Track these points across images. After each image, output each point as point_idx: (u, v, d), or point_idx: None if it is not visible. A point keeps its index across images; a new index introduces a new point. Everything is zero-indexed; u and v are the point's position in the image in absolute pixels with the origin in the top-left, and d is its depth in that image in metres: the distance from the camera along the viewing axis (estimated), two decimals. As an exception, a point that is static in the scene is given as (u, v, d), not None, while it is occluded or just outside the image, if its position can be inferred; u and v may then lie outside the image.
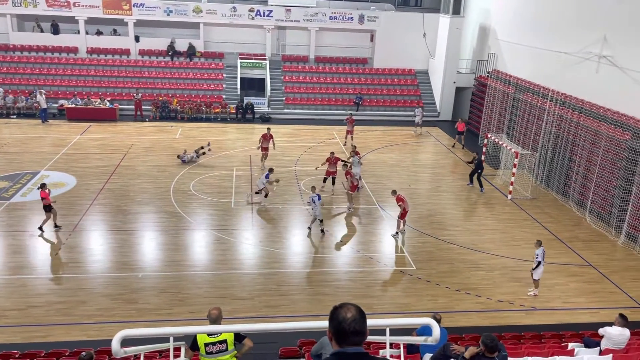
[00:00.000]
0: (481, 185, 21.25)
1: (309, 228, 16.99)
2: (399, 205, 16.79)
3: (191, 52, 32.96)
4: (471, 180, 21.68)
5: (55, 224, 16.23)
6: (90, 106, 28.75)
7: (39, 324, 11.83)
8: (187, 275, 14.20)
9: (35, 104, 28.29)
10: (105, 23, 32.58)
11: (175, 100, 30.18)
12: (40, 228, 15.99)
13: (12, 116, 28.25)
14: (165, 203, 18.57)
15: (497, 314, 13.11)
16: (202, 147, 23.15)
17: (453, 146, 27.13)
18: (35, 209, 17.53)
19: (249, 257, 15.49)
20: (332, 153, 20.60)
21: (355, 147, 21.67)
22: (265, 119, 30.47)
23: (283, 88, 32.70)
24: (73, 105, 28.62)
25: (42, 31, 32.27)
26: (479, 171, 21.28)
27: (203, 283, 13.88)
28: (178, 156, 22.59)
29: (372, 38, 34.59)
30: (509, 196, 20.63)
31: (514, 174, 20.66)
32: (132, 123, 28.61)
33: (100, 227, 16.70)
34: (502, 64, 27.91)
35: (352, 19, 33.38)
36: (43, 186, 16.02)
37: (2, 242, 15.44)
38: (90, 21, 32.12)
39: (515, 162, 20.57)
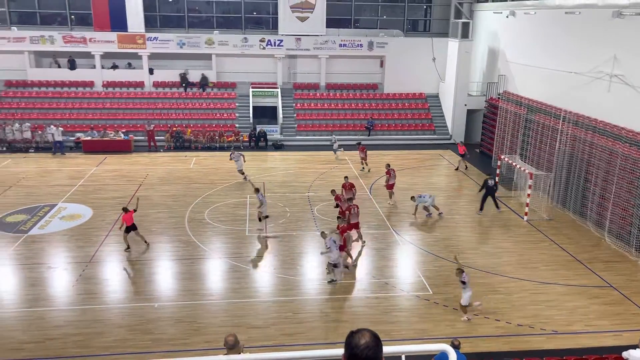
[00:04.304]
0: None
1: None
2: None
3: (204, 82, 33.53)
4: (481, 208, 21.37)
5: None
6: (106, 138, 29.27)
7: (56, 356, 11.84)
8: (202, 304, 14.17)
9: (50, 135, 28.59)
10: (120, 57, 33.38)
11: (189, 130, 30.61)
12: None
13: (30, 150, 28.82)
14: (180, 232, 18.67)
15: (517, 338, 12.85)
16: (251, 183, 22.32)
17: (456, 169, 27.02)
18: (54, 241, 17.75)
19: (263, 285, 15.45)
20: (346, 178, 20.63)
21: (346, 177, 20.80)
22: (277, 146, 30.73)
23: (295, 115, 33.03)
24: (89, 138, 29.15)
25: (59, 67, 33.13)
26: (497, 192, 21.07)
27: (218, 312, 13.84)
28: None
29: (381, 64, 34.94)
30: (525, 218, 20.41)
31: (529, 195, 20.47)
32: (146, 154, 29.01)
33: (116, 257, 16.81)
34: (512, 86, 27.95)
35: (361, 45, 33.79)
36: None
37: (20, 274, 15.59)
38: (105, 56, 32.93)
39: (530, 183, 20.41)
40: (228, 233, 18.69)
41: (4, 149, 28.71)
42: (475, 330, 13.12)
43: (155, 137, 29.92)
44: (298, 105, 33.58)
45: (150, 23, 33.71)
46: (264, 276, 15.87)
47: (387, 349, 3.02)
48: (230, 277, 15.75)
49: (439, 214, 20.57)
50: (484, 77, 31.96)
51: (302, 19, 33.35)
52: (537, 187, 21.79)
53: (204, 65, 33.88)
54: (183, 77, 33.34)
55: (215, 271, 16.19)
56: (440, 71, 34.03)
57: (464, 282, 13.32)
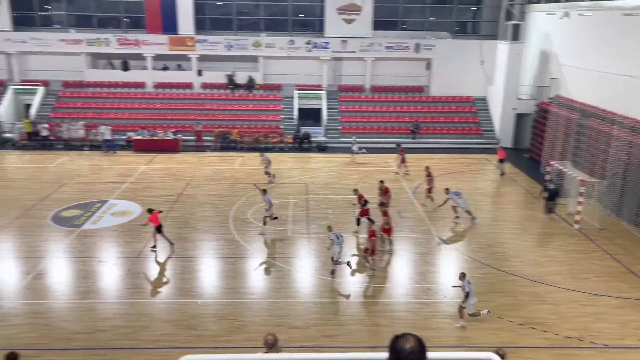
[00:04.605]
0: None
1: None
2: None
3: (250, 84, 34.03)
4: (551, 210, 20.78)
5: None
6: (156, 137, 30.14)
7: (105, 347, 12.27)
8: (244, 302, 14.37)
9: (101, 134, 29.65)
10: (170, 59, 34.32)
11: (235, 131, 31.13)
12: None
13: (84, 148, 30.01)
14: (225, 231, 19.00)
15: (565, 351, 12.41)
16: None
17: (502, 174, 26.30)
18: (105, 236, 18.42)
19: (304, 286, 15.52)
20: (382, 182, 20.52)
21: (382, 181, 20.95)
22: (321, 148, 30.83)
23: (339, 117, 33.05)
24: (140, 137, 30.10)
25: (113, 68, 34.37)
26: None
27: (260, 311, 14.00)
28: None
29: (428, 66, 34.51)
30: (576, 226, 19.69)
31: (580, 203, 19.74)
32: (194, 153, 29.68)
33: (162, 254, 17.26)
34: (565, 89, 27.05)
35: (408, 48, 33.50)
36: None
37: (73, 267, 16.26)
38: (157, 57, 33.93)
39: (581, 191, 19.67)
40: (271, 233, 18.88)
41: (61, 146, 30.01)
42: (521, 340, 12.76)
43: (202, 137, 30.59)
44: (343, 107, 33.59)
45: (200, 25, 34.49)
46: (305, 277, 15.94)
47: (431, 355, 2.99)
48: (272, 276, 15.91)
49: (472, 218, 20.16)
50: (534, 80, 31.06)
51: (349, 21, 33.36)
52: (589, 195, 20.98)
53: (251, 67, 34.39)
54: (230, 78, 33.96)
55: (257, 270, 16.39)
56: (489, 74, 33.31)
57: (467, 293, 13.12)
